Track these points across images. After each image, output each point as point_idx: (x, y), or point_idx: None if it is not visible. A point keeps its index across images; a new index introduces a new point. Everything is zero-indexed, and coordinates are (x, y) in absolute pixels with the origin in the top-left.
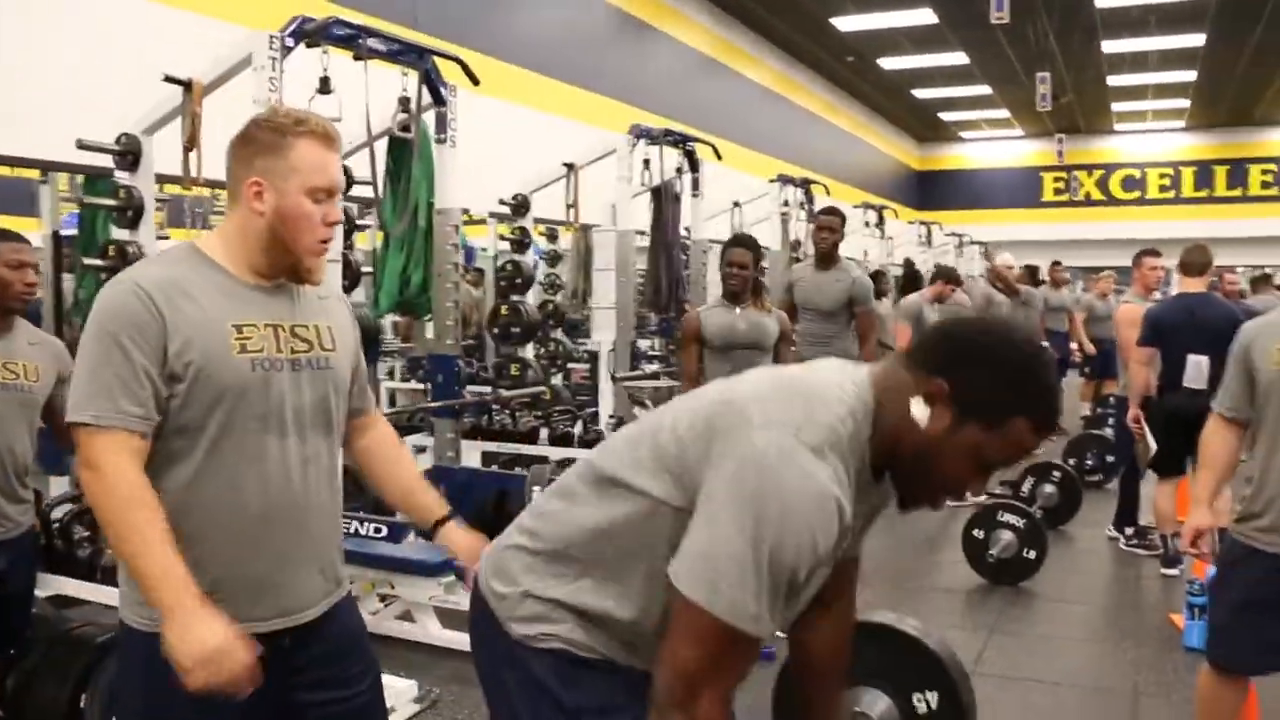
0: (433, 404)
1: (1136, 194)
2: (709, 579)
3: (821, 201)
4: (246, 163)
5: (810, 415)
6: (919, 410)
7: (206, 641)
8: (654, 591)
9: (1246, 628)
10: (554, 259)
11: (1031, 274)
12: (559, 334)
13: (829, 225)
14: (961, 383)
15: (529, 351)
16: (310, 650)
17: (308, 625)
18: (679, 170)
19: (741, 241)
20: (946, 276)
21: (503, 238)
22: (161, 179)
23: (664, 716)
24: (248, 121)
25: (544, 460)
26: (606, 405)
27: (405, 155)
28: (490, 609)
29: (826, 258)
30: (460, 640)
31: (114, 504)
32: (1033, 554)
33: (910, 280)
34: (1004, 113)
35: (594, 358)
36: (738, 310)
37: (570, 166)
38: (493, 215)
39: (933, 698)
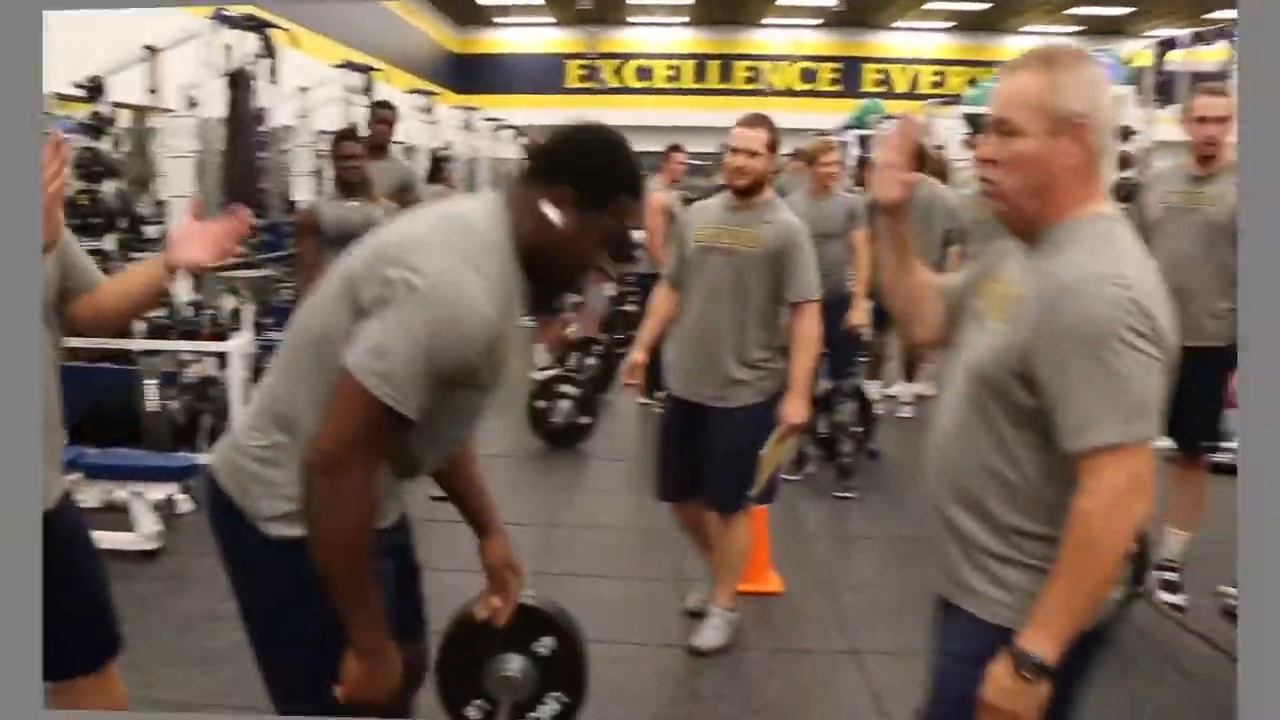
0: None
1: (647, 83)
2: (377, 367)
3: (382, 91)
4: None
5: (469, 240)
6: (552, 213)
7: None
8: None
9: (660, 462)
10: (115, 143)
11: None
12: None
13: (386, 119)
14: (578, 183)
15: (109, 243)
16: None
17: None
18: (257, 55)
19: (351, 135)
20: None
21: (81, 124)
22: None
23: (314, 480)
24: None
25: (147, 353)
26: (186, 294)
27: None
28: (231, 501)
29: (382, 149)
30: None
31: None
32: (586, 420)
33: (436, 166)
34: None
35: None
36: (352, 203)
37: (152, 50)
38: (61, 96)
39: (548, 640)
